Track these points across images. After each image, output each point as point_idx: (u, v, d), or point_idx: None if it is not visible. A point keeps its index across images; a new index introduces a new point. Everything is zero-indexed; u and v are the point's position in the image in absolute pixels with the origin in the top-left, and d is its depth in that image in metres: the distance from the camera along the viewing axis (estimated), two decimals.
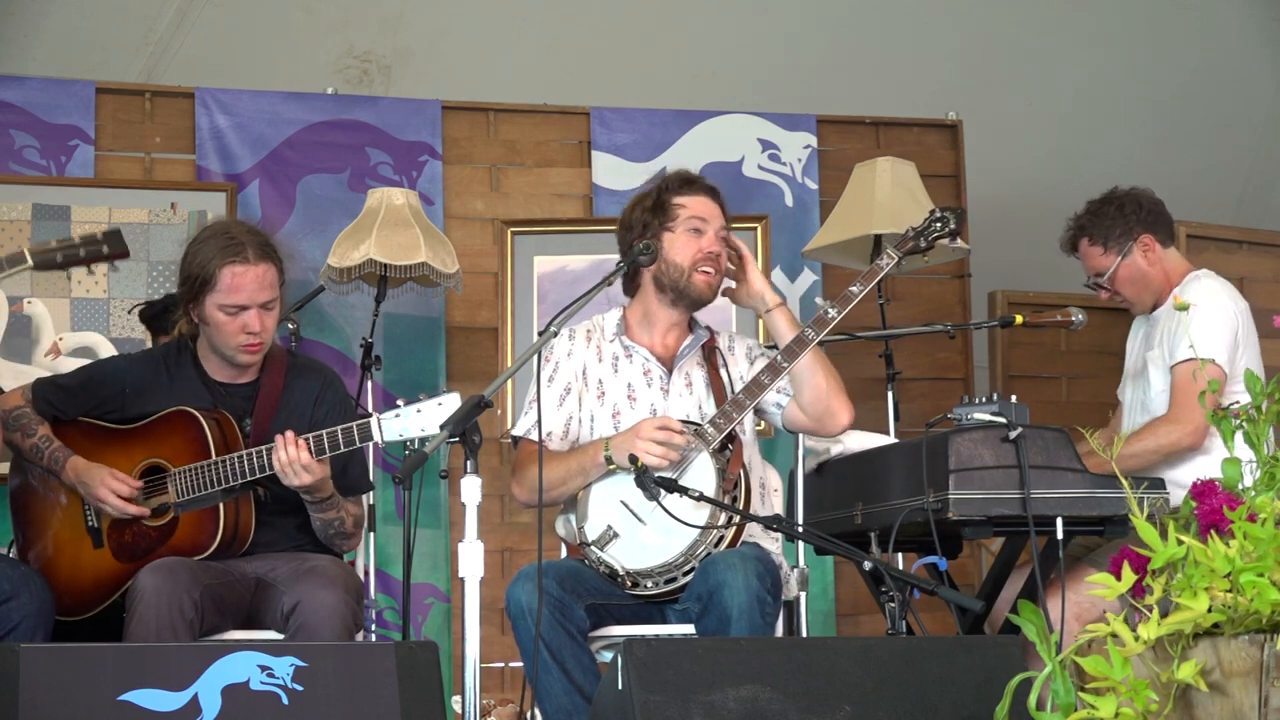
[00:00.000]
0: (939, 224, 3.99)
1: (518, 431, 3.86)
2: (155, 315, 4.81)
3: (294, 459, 3.56)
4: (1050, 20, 6.62)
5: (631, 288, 3.93)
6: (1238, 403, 2.82)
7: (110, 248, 3.48)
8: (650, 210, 3.84)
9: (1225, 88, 6.80)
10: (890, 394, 5.20)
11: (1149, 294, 4.32)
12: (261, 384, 3.81)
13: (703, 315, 3.98)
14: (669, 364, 3.87)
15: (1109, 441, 3.73)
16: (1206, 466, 3.96)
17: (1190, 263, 4.43)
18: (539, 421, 3.72)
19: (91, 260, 3.50)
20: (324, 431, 3.60)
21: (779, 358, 3.76)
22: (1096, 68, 6.72)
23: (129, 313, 5.22)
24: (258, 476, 3.64)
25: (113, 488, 3.67)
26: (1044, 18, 6.61)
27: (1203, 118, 6.83)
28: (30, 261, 3.43)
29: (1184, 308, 3.95)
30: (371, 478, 4.18)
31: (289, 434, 3.58)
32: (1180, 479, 3.97)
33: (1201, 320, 4.10)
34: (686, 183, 3.89)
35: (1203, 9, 6.65)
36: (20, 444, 3.76)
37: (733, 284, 3.95)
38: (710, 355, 3.91)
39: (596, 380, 3.86)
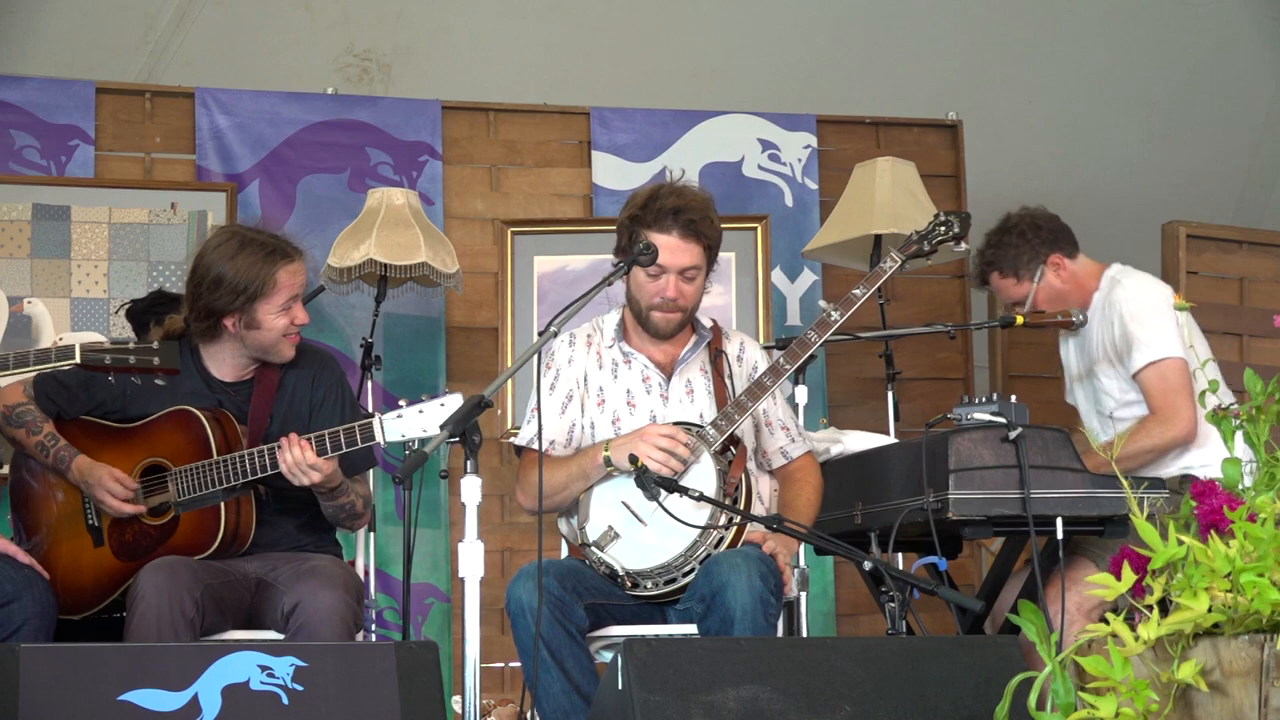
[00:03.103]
0: (943, 228, 3.97)
1: (520, 441, 3.85)
2: (141, 312, 4.82)
3: (300, 460, 3.57)
4: (1050, 20, 6.62)
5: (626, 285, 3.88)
6: (1236, 403, 2.82)
7: (163, 360, 3.54)
8: (625, 237, 3.77)
9: (1225, 88, 6.80)
10: (890, 394, 5.20)
11: (1071, 304, 4.31)
12: (258, 377, 3.81)
13: (701, 311, 3.94)
14: (669, 370, 3.86)
15: (1088, 445, 3.75)
16: (1201, 457, 4.00)
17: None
18: (540, 431, 3.72)
19: (140, 370, 3.57)
20: (325, 431, 3.61)
21: (781, 360, 3.75)
22: (1096, 68, 6.72)
23: (115, 312, 5.23)
24: (259, 476, 3.64)
25: (110, 489, 3.68)
26: (1044, 17, 6.61)
27: (1203, 118, 6.83)
28: (78, 359, 3.50)
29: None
30: (372, 453, 4.15)
31: (292, 435, 3.58)
32: (1175, 468, 4.01)
33: (1143, 320, 4.10)
34: (664, 215, 3.73)
35: (1203, 9, 6.65)
36: (25, 441, 3.77)
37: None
38: (716, 360, 3.89)
39: (597, 387, 3.86)
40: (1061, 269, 4.29)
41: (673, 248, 3.73)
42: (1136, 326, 4.11)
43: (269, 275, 3.67)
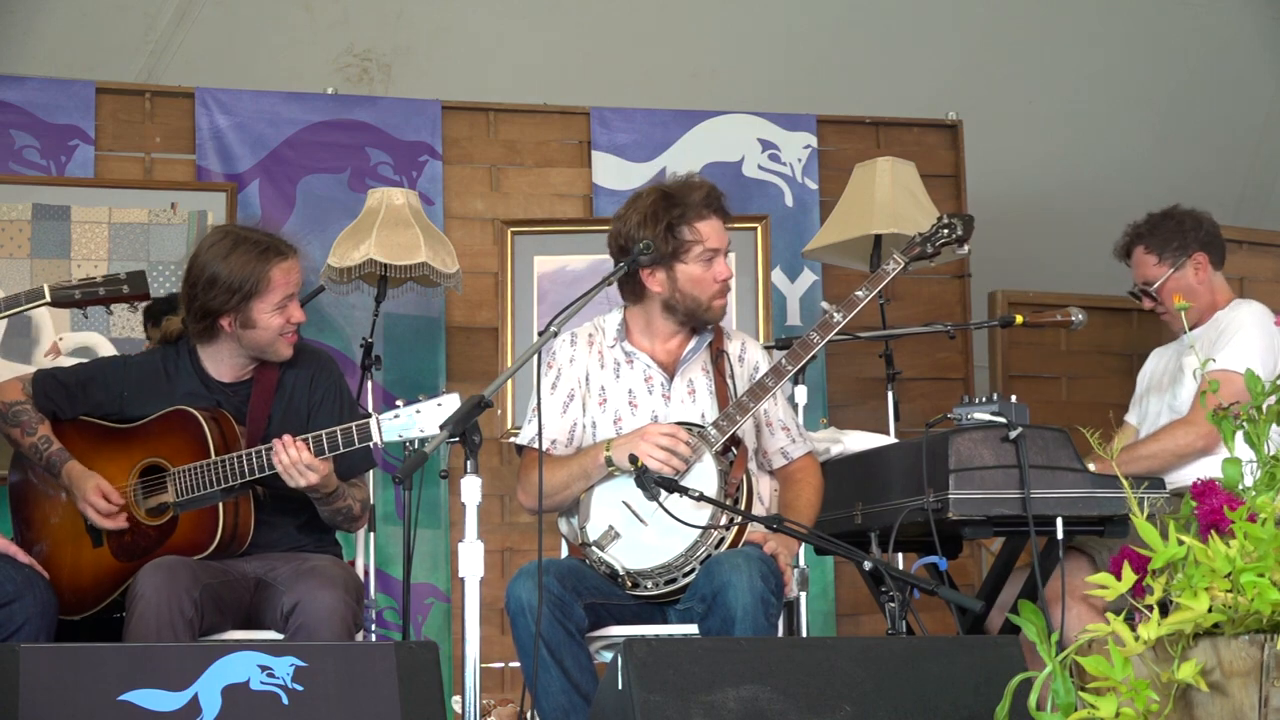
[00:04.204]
0: (946, 230, 3.98)
1: (521, 440, 3.85)
2: (160, 313, 4.81)
3: (295, 460, 3.57)
4: (1050, 20, 6.62)
5: (633, 294, 3.85)
6: (1238, 402, 2.82)
7: (131, 288, 3.58)
8: (661, 239, 3.74)
9: (1225, 88, 6.80)
10: (890, 394, 5.20)
11: (1192, 311, 4.37)
12: (257, 377, 3.81)
13: None
14: (671, 370, 3.86)
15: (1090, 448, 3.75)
16: (1214, 469, 3.99)
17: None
18: (540, 430, 3.71)
19: (110, 300, 3.60)
20: (323, 432, 3.60)
21: (783, 361, 3.75)
22: (1096, 68, 6.73)
23: (134, 311, 5.20)
24: (257, 476, 3.63)
25: (94, 504, 3.68)
26: (1044, 17, 6.61)
27: (1203, 118, 6.84)
28: (49, 298, 3.52)
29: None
30: (371, 455, 4.15)
31: (287, 436, 3.58)
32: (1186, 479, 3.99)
33: (1244, 338, 4.20)
34: (700, 204, 3.78)
35: (1203, 9, 6.65)
36: (20, 440, 3.76)
37: None
38: (718, 360, 3.88)
39: (599, 387, 3.86)
40: (1201, 269, 4.43)
41: (717, 229, 3.82)
42: (1231, 335, 4.23)
43: (263, 273, 3.67)
